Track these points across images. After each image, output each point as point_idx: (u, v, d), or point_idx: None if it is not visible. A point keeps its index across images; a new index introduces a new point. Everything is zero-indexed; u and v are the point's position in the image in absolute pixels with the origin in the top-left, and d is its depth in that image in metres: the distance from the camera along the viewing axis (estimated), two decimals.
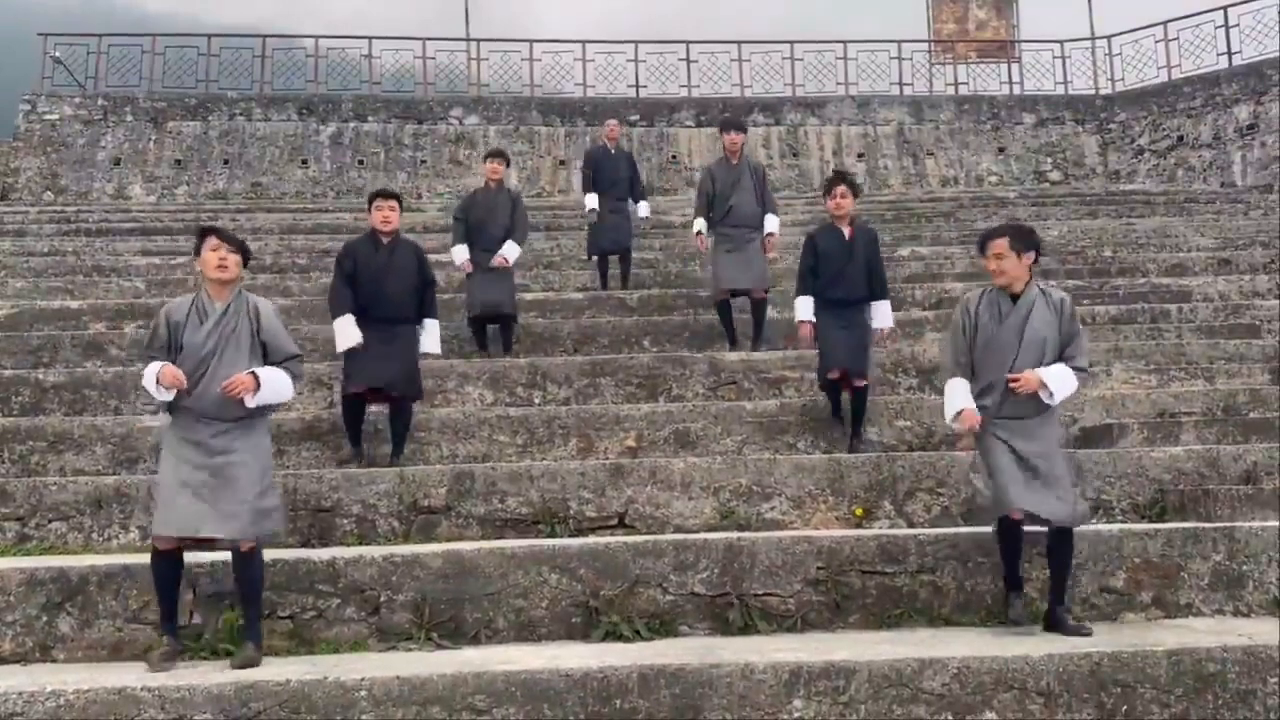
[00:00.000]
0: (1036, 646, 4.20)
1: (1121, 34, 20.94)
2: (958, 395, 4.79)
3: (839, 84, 20.78)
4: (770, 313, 8.81)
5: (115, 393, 7.83)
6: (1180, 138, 19.14)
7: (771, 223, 8.70)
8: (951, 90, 21.05)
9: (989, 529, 4.85)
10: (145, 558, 4.59)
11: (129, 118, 19.20)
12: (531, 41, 20.87)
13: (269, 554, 4.64)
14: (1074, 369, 4.73)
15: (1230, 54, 19.18)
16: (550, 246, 12.93)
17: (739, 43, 20.92)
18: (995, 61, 21.56)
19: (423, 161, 19.36)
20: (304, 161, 19.21)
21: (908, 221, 14.91)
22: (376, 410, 6.99)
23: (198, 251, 4.69)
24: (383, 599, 4.79)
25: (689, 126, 19.83)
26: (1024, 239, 4.81)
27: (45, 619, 4.69)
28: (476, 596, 4.83)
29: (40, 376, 7.94)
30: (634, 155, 12.53)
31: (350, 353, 6.75)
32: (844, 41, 21.17)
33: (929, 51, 21.59)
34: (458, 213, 9.11)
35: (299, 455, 6.96)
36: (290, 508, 5.95)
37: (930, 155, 19.89)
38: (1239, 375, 8.22)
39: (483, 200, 8.90)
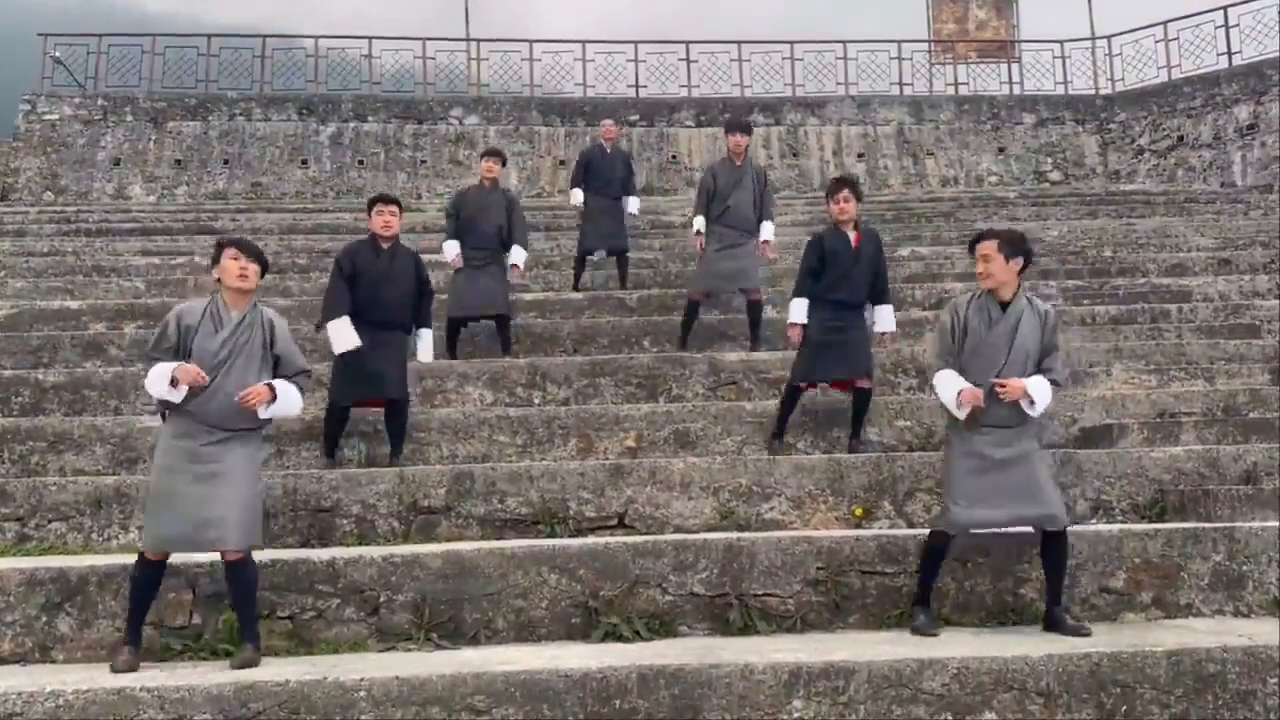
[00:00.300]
0: (1036, 647, 4.20)
1: (1121, 34, 20.96)
2: (952, 381, 4.76)
3: (839, 84, 20.76)
4: (770, 313, 8.81)
5: (115, 393, 7.83)
6: (1180, 138, 19.13)
7: (767, 230, 8.73)
8: (951, 90, 21.02)
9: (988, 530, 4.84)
10: None
11: (129, 118, 19.19)
12: (531, 41, 20.86)
13: (269, 554, 4.65)
14: (1050, 381, 4.74)
15: (1230, 54, 19.17)
16: (550, 246, 12.91)
17: (739, 43, 20.90)
18: (995, 61, 21.54)
19: (423, 161, 19.36)
20: (304, 161, 19.20)
21: (908, 221, 14.90)
22: (375, 412, 6.99)
23: (216, 260, 4.70)
24: (382, 599, 4.79)
25: (689, 126, 19.82)
26: (1013, 244, 4.80)
27: (45, 619, 4.69)
28: (476, 597, 4.83)
29: (40, 377, 7.94)
30: (634, 155, 12.52)
31: (341, 360, 6.70)
32: (844, 41, 21.15)
33: (929, 51, 21.57)
34: (449, 209, 9.13)
35: (299, 455, 6.96)
36: (290, 508, 5.97)
37: (930, 155, 19.88)
38: (1239, 375, 8.21)
39: (475, 198, 8.90)
